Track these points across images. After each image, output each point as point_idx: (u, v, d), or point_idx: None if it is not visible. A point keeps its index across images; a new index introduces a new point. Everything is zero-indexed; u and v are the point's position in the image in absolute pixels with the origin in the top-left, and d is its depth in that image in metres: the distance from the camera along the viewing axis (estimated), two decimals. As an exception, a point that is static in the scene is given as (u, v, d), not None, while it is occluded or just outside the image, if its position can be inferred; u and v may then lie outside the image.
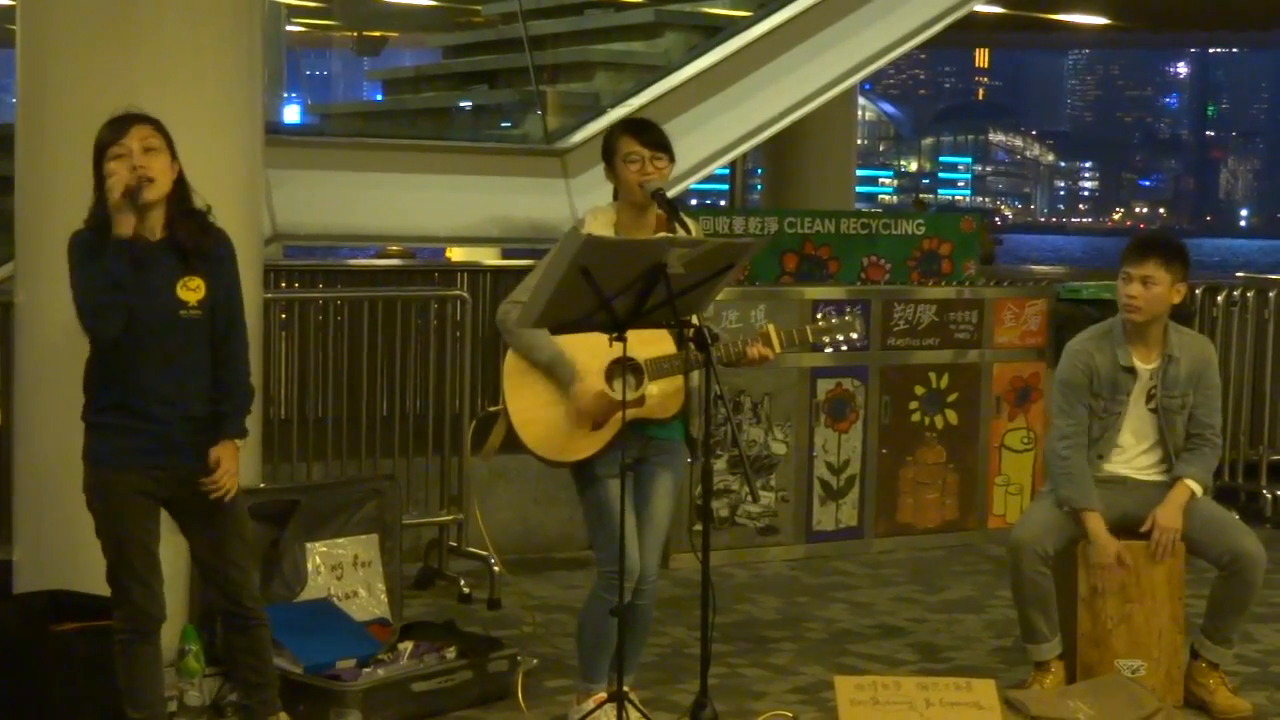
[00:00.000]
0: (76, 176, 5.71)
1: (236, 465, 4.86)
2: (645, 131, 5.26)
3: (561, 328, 4.89)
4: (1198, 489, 5.89)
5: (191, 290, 4.75)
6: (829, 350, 5.50)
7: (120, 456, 4.76)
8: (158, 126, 4.75)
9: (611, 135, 5.31)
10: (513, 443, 5.13)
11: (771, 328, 5.23)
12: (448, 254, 15.12)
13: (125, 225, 4.61)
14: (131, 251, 4.61)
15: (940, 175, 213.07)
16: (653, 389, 5.11)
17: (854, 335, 5.36)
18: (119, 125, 4.72)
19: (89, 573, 5.62)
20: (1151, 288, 5.82)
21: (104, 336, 4.66)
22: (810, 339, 5.34)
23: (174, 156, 4.76)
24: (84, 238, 4.72)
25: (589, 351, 5.06)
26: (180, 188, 4.78)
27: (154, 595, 4.85)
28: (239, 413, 4.89)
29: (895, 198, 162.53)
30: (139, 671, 4.89)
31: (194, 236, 4.77)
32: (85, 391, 4.83)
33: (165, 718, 5.04)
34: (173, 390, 4.75)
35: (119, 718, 5.00)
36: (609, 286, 4.70)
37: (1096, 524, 5.82)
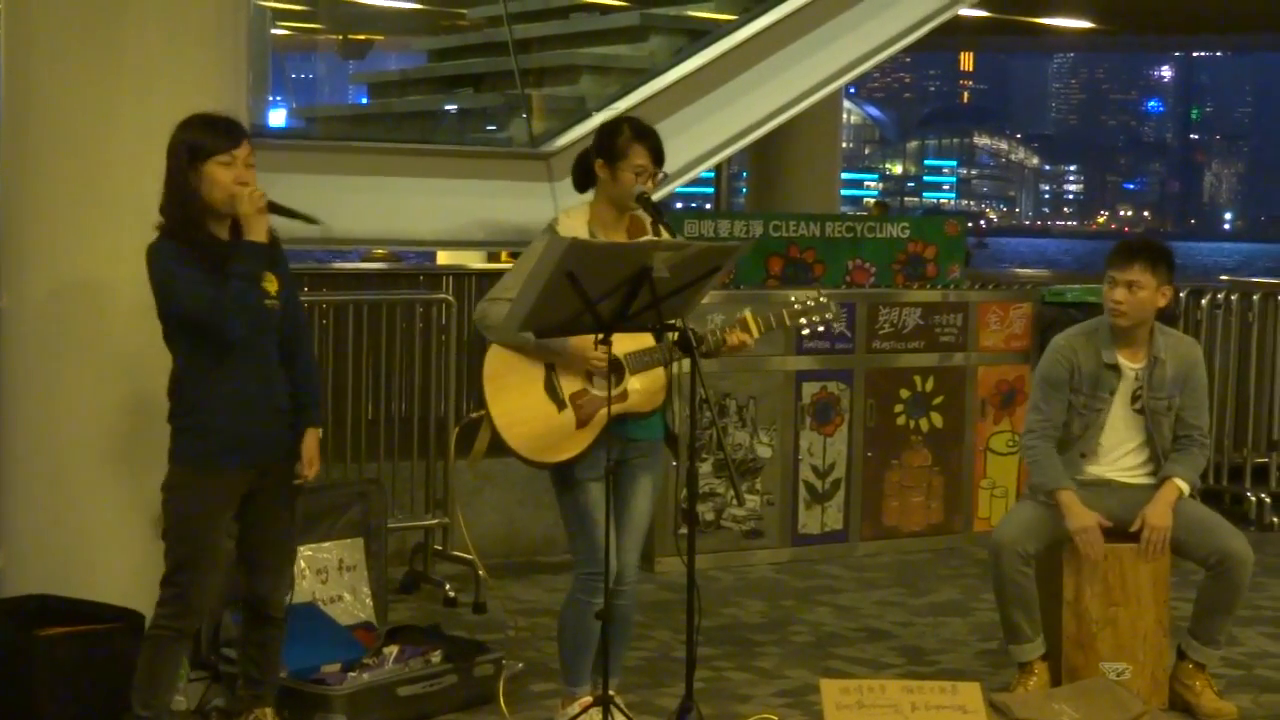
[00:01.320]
0: (61, 181, 5.75)
1: (318, 453, 5.07)
2: (654, 142, 5.18)
3: (546, 331, 4.89)
4: (1185, 488, 5.90)
5: (269, 282, 4.88)
6: (806, 333, 5.49)
7: (210, 458, 4.84)
8: (250, 141, 4.90)
9: (620, 137, 5.18)
10: (497, 446, 5.12)
11: (749, 314, 5.25)
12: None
13: (263, 231, 4.79)
14: (216, 251, 4.75)
15: (925, 179, 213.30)
16: (634, 383, 5.11)
17: (829, 316, 5.37)
18: (229, 135, 4.81)
19: (76, 577, 5.63)
20: (1137, 292, 5.84)
21: (235, 338, 4.76)
22: (787, 322, 5.34)
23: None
24: (172, 248, 4.75)
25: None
26: None
27: (206, 598, 4.94)
28: (317, 402, 5.11)
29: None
30: (163, 669, 4.92)
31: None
32: (173, 396, 4.88)
33: None
34: (263, 384, 4.88)
35: (106, 722, 5.03)
36: (594, 290, 4.70)
37: (1069, 498, 5.83)
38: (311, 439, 5.04)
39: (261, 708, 5.14)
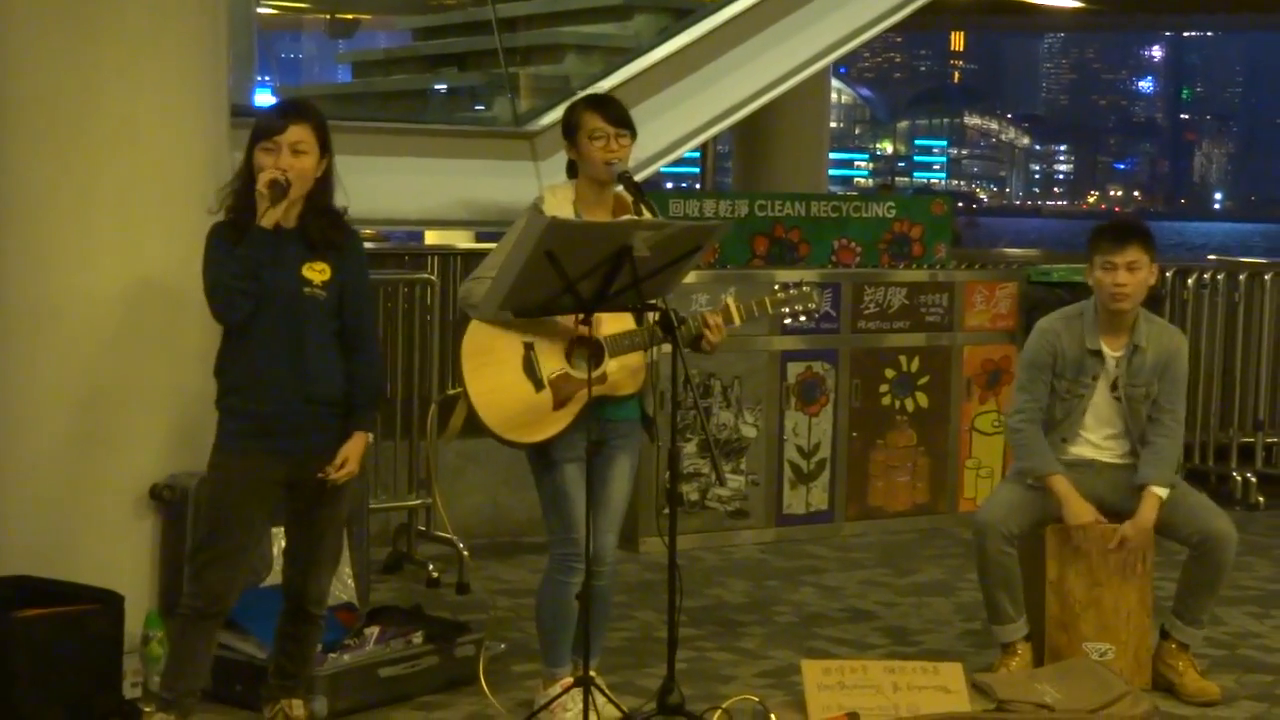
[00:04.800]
0: (40, 162, 5.71)
1: (360, 459, 4.91)
2: (608, 107, 5.21)
3: (526, 311, 4.87)
4: (1164, 494, 5.84)
5: (317, 271, 4.79)
6: (788, 321, 5.47)
7: (241, 440, 4.78)
8: (316, 125, 4.78)
9: (574, 111, 5.25)
10: (474, 425, 5.09)
11: (730, 300, 5.24)
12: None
13: (268, 216, 4.65)
14: (265, 236, 4.66)
15: (915, 158, 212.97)
16: (613, 365, 5.09)
17: (812, 306, 5.38)
18: (279, 119, 4.75)
19: (54, 559, 5.61)
20: (1137, 273, 5.82)
21: (231, 321, 4.71)
22: (769, 310, 5.34)
23: (324, 153, 4.80)
24: (221, 227, 4.74)
25: (549, 328, 5.05)
26: (323, 182, 4.81)
27: (230, 583, 4.84)
28: (370, 405, 4.93)
29: (870, 180, 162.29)
30: (186, 651, 4.87)
31: (324, 230, 4.81)
32: (216, 376, 4.84)
33: (192, 709, 4.97)
34: (295, 371, 4.76)
35: (83, 704, 4.99)
36: (574, 269, 4.69)
37: (1063, 485, 5.82)
38: (355, 442, 4.86)
39: (289, 698, 5.10)
